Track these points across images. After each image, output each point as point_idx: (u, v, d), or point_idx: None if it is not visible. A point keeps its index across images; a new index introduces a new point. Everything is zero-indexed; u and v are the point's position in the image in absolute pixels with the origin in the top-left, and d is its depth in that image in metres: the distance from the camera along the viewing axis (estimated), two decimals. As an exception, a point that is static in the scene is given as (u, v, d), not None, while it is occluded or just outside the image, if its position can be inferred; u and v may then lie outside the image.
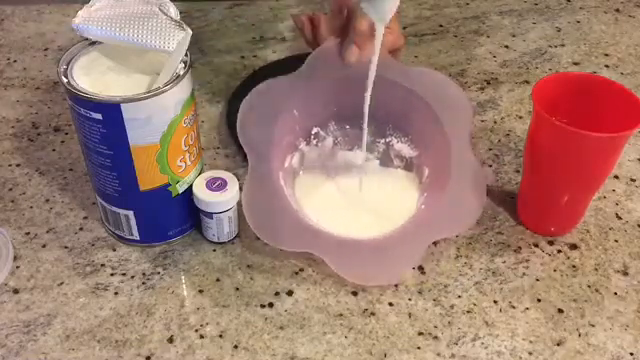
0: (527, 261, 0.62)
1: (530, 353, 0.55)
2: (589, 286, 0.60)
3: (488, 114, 0.79)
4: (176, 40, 0.56)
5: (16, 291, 0.59)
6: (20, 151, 0.73)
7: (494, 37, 0.92)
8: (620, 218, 0.67)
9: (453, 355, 0.55)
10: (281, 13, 0.95)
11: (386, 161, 0.69)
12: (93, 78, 0.56)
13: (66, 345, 0.55)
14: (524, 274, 0.61)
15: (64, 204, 0.67)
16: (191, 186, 0.61)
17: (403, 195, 0.66)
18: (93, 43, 0.59)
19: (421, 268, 0.62)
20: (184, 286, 0.60)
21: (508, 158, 0.73)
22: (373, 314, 0.58)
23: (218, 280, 0.60)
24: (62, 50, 0.86)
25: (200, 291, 0.59)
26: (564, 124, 0.57)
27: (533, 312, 0.58)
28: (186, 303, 0.58)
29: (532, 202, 0.65)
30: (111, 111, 0.53)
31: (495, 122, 0.78)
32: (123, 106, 0.53)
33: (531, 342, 0.56)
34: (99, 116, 0.54)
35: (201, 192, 0.60)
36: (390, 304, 0.58)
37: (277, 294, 0.59)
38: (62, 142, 0.74)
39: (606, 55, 0.89)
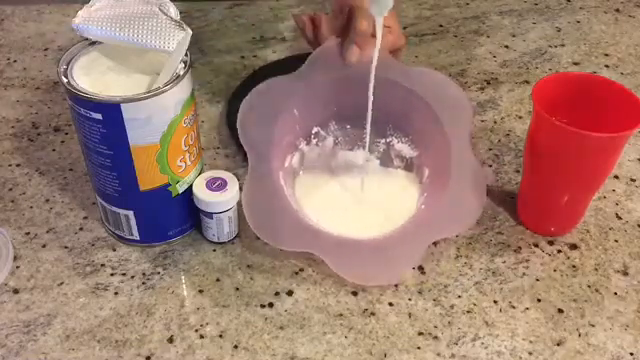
0: (527, 261, 0.62)
1: (530, 353, 0.55)
2: (589, 286, 0.60)
3: (488, 114, 0.79)
4: (176, 40, 0.56)
5: (16, 291, 0.59)
6: (20, 151, 0.73)
7: (494, 37, 0.92)
8: (620, 218, 0.67)
9: (453, 355, 0.55)
10: (281, 13, 0.95)
11: (386, 161, 0.69)
12: (93, 78, 0.56)
13: (66, 345, 0.55)
14: (524, 274, 0.61)
15: (64, 204, 0.67)
16: (191, 186, 0.61)
17: (403, 195, 0.66)
18: (93, 43, 0.59)
19: (421, 268, 0.62)
20: (184, 286, 0.60)
21: (508, 158, 0.73)
22: (373, 314, 0.58)
23: (218, 280, 0.60)
24: (62, 50, 0.86)
25: (200, 291, 0.59)
26: (564, 124, 0.57)
27: (533, 312, 0.58)
28: (186, 303, 0.59)
29: (532, 202, 0.65)
30: (111, 111, 0.53)
31: (495, 122, 0.78)
32: (123, 106, 0.53)
33: (531, 342, 0.56)
34: (99, 116, 0.54)
35: (201, 192, 0.60)
36: (390, 304, 0.58)
37: (277, 294, 0.59)
38: (62, 142, 0.74)
39: (606, 55, 0.89)
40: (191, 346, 0.55)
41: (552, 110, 0.58)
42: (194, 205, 0.61)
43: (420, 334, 0.56)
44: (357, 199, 0.66)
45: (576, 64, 0.87)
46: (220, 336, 0.56)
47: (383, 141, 0.68)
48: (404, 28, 0.92)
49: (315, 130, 0.68)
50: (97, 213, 0.65)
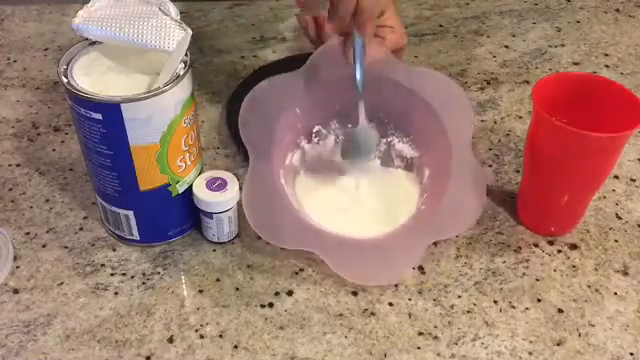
0: (527, 261, 0.62)
1: (530, 353, 0.55)
2: (589, 286, 0.60)
3: (488, 114, 0.79)
4: (176, 40, 0.56)
5: (16, 291, 0.59)
6: (20, 151, 0.73)
7: (494, 37, 0.92)
8: (620, 218, 0.67)
9: (453, 355, 0.55)
10: (281, 13, 0.95)
11: (387, 161, 0.69)
12: (93, 78, 0.56)
13: (66, 345, 0.55)
14: (524, 274, 0.61)
15: (64, 204, 0.67)
16: (191, 186, 0.61)
17: (403, 195, 0.66)
18: (93, 43, 0.59)
19: (421, 268, 0.62)
20: (184, 286, 0.60)
21: (508, 158, 0.73)
22: (373, 314, 0.58)
23: (218, 280, 0.60)
24: (62, 50, 0.85)
25: (200, 291, 0.59)
26: (564, 124, 0.57)
27: (533, 312, 0.58)
28: (186, 303, 0.59)
29: (532, 202, 0.65)
30: (111, 111, 0.53)
31: (495, 122, 0.78)
32: (123, 106, 0.53)
33: (531, 342, 0.56)
34: (99, 116, 0.54)
35: (201, 192, 0.60)
36: (390, 304, 0.58)
37: (277, 294, 0.59)
38: (62, 142, 0.74)
39: (606, 55, 0.89)
40: (191, 346, 0.55)
41: (552, 110, 0.58)
42: (194, 205, 0.61)
43: (420, 334, 0.56)
44: (357, 199, 0.66)
45: (576, 64, 0.87)
46: (220, 336, 0.56)
47: (384, 141, 0.68)
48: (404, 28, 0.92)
49: (316, 128, 0.68)
50: (97, 213, 0.65)
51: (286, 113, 0.64)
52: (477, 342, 0.56)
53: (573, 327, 0.57)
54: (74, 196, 0.68)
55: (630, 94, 0.59)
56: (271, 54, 0.88)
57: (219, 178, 0.61)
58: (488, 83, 0.84)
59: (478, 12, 0.97)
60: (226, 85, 0.82)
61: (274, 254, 0.62)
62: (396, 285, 0.60)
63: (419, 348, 0.55)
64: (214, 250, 0.63)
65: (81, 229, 0.65)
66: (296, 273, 0.61)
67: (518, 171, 0.71)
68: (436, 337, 0.56)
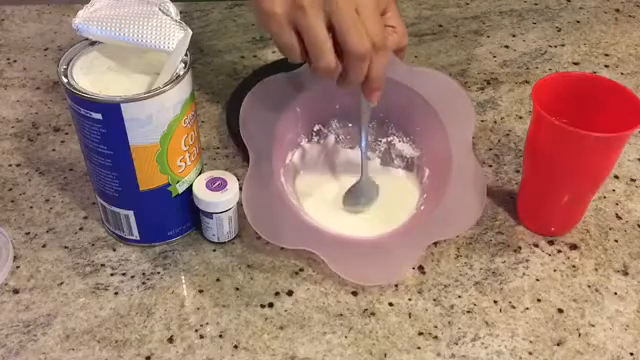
0: (527, 261, 0.62)
1: (530, 353, 0.55)
2: (589, 286, 0.60)
3: (488, 114, 0.79)
4: (176, 40, 0.56)
5: (16, 291, 0.59)
6: (20, 151, 0.73)
7: (494, 37, 0.92)
8: (620, 218, 0.67)
9: (453, 355, 0.55)
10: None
11: (387, 160, 0.69)
12: (93, 78, 0.56)
13: (66, 345, 0.55)
14: (524, 274, 0.61)
15: (64, 204, 0.67)
16: (191, 186, 0.61)
17: (403, 195, 0.66)
18: (93, 43, 0.59)
19: (421, 268, 0.62)
20: (184, 286, 0.60)
21: (508, 158, 0.73)
22: (373, 314, 0.58)
23: (218, 280, 0.60)
24: (62, 50, 0.86)
25: (200, 291, 0.59)
26: (564, 124, 0.57)
27: (533, 312, 0.58)
28: (186, 303, 0.59)
29: (532, 202, 0.65)
30: (111, 111, 0.53)
31: (495, 122, 0.78)
32: (123, 106, 0.53)
33: (531, 342, 0.56)
34: (99, 116, 0.54)
35: (201, 192, 0.60)
36: (390, 304, 0.58)
37: (277, 294, 0.59)
38: (62, 142, 0.74)
39: (606, 55, 0.89)
40: (191, 346, 0.55)
41: (552, 110, 0.58)
42: (194, 205, 0.61)
43: (420, 334, 0.56)
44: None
45: (576, 64, 0.87)
46: (220, 336, 0.56)
47: (384, 140, 0.68)
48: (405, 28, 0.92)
49: (317, 128, 0.68)
50: (97, 213, 0.65)
51: (286, 112, 0.64)
52: (477, 342, 0.56)
53: (573, 327, 0.57)
54: (74, 196, 0.68)
55: (630, 94, 0.59)
56: (271, 54, 0.88)
57: (219, 178, 0.61)
58: (488, 83, 0.84)
59: (478, 12, 0.97)
60: (226, 85, 0.82)
61: (274, 254, 0.62)
62: (396, 285, 0.60)
63: (419, 348, 0.55)
64: (214, 250, 0.63)
65: (81, 229, 0.65)
66: (296, 273, 0.61)
67: (518, 171, 0.71)
68: (436, 337, 0.56)
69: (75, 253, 0.62)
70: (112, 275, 0.61)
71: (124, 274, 0.61)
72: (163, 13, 0.57)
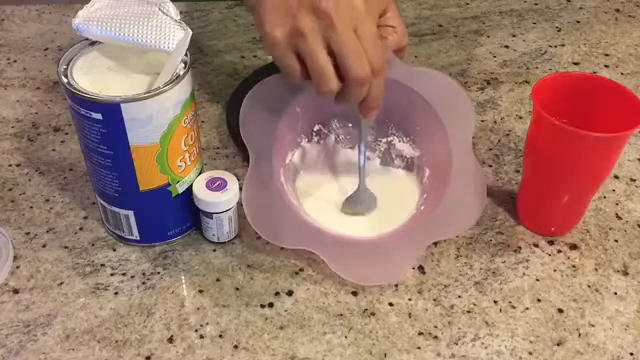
0: (527, 261, 0.62)
1: (530, 353, 0.55)
2: (589, 286, 0.60)
3: (488, 114, 0.79)
4: (176, 40, 0.56)
5: (16, 291, 0.59)
6: (20, 151, 0.73)
7: (494, 37, 0.92)
8: (620, 218, 0.67)
9: (453, 355, 0.55)
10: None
11: (387, 160, 0.69)
12: (93, 78, 0.56)
13: (66, 345, 0.55)
14: (524, 274, 0.61)
15: (64, 204, 0.67)
16: (191, 186, 0.61)
17: (403, 195, 0.66)
18: (93, 43, 0.59)
19: (421, 268, 0.62)
20: (184, 286, 0.60)
21: (508, 158, 0.73)
22: (373, 314, 0.58)
23: (218, 280, 0.60)
24: (62, 50, 0.86)
25: (200, 291, 0.59)
26: (564, 124, 0.57)
27: (533, 312, 0.58)
28: (186, 303, 0.59)
29: (532, 202, 0.65)
30: (111, 111, 0.53)
31: (495, 122, 0.78)
32: (123, 106, 0.53)
33: (531, 342, 0.56)
34: (99, 116, 0.54)
35: (201, 192, 0.60)
36: (390, 304, 0.58)
37: (277, 294, 0.59)
38: (62, 142, 0.74)
39: (606, 55, 0.89)
40: (191, 346, 0.55)
41: (552, 110, 0.58)
42: (194, 205, 0.61)
43: (420, 334, 0.56)
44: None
45: (576, 64, 0.87)
46: (220, 336, 0.56)
47: (384, 140, 0.68)
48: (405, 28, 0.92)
49: (317, 128, 0.68)
50: (97, 213, 0.65)
51: (286, 112, 0.64)
52: (477, 342, 0.56)
53: (573, 327, 0.57)
54: (74, 196, 0.68)
55: (630, 94, 0.59)
56: (271, 54, 0.87)
57: (219, 178, 0.61)
58: (488, 83, 0.84)
59: (478, 12, 0.97)
60: (226, 85, 0.82)
61: (274, 254, 0.62)
62: (396, 285, 0.60)
63: (419, 348, 0.55)
64: (214, 250, 0.63)
65: (81, 229, 0.65)
66: (296, 273, 0.61)
67: (518, 171, 0.71)
68: (436, 337, 0.56)
69: (75, 253, 0.62)
70: (112, 275, 0.61)
71: (124, 274, 0.61)
72: (163, 13, 0.57)
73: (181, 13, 0.59)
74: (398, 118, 0.67)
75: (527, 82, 0.84)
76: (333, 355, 0.55)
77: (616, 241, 0.65)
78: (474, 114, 0.64)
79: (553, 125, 0.57)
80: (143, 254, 0.62)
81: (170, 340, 0.56)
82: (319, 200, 0.65)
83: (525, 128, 0.76)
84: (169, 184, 0.59)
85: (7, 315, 0.57)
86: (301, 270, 0.61)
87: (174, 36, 0.56)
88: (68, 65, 0.57)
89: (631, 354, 0.55)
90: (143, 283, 0.60)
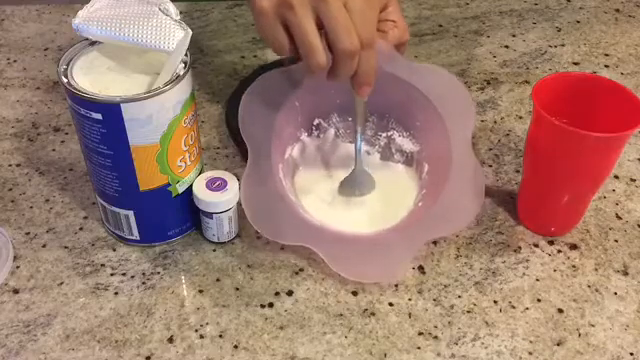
0: (527, 261, 0.62)
1: (530, 353, 0.55)
2: (589, 286, 0.60)
3: (488, 114, 0.79)
4: (176, 40, 0.56)
5: (16, 291, 0.59)
6: (20, 151, 0.73)
7: (494, 37, 0.92)
8: (620, 218, 0.67)
9: (453, 355, 0.55)
10: (281, 13, 0.95)
11: (387, 155, 0.69)
12: (93, 78, 0.56)
13: (66, 345, 0.55)
14: (524, 274, 0.61)
15: (64, 204, 0.67)
16: (191, 186, 0.61)
17: (402, 191, 0.66)
18: (93, 43, 0.59)
19: (421, 268, 0.62)
20: (184, 286, 0.60)
21: (508, 158, 0.73)
22: (373, 314, 0.58)
23: (218, 280, 0.60)
24: (62, 50, 0.86)
25: (200, 291, 0.59)
26: (564, 124, 0.57)
27: (533, 312, 0.58)
28: (186, 303, 0.59)
29: (532, 202, 0.65)
30: (111, 111, 0.53)
31: (495, 122, 0.78)
32: (123, 106, 0.53)
33: (531, 342, 0.56)
34: (99, 116, 0.54)
35: (201, 192, 0.60)
36: (390, 304, 0.58)
37: (277, 294, 0.59)
38: (62, 142, 0.74)
39: (606, 55, 0.89)
40: (191, 346, 0.55)
41: (552, 110, 0.58)
42: (194, 205, 0.61)
43: (420, 334, 0.56)
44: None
45: (576, 64, 0.87)
46: (220, 336, 0.56)
47: (384, 135, 0.68)
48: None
49: (316, 122, 0.68)
50: (97, 213, 0.65)
51: (286, 107, 0.64)
52: (477, 342, 0.56)
53: (573, 327, 0.57)
54: (74, 196, 0.68)
55: (630, 94, 0.59)
56: (271, 54, 0.87)
57: (219, 178, 0.61)
58: (488, 83, 0.84)
59: (478, 12, 0.97)
60: (226, 85, 0.82)
61: (274, 254, 0.62)
62: (396, 285, 0.60)
63: (419, 348, 0.55)
64: (214, 250, 0.63)
65: (81, 229, 0.65)
66: (296, 273, 0.61)
67: (518, 171, 0.71)
68: (436, 337, 0.56)
69: (75, 253, 0.62)
70: (112, 275, 0.61)
71: (124, 274, 0.61)
72: (163, 13, 0.57)
73: (181, 13, 0.59)
74: (398, 113, 0.67)
75: (527, 82, 0.84)
76: (333, 355, 0.55)
77: (616, 241, 0.65)
78: (474, 109, 0.64)
79: (553, 125, 0.57)
80: (143, 254, 0.62)
81: (170, 340, 0.56)
82: (318, 195, 0.66)
83: (525, 128, 0.76)
84: (169, 184, 0.59)
85: (7, 315, 0.57)
86: (301, 270, 0.61)
87: (174, 36, 0.56)
88: (68, 65, 0.57)
89: (631, 354, 0.55)
90: (143, 283, 0.60)
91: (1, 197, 0.68)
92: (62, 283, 0.60)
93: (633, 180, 0.71)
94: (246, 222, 0.60)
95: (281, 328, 0.57)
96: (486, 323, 0.57)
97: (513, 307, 0.59)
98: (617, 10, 0.98)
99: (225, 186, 0.60)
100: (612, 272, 0.62)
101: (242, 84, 0.79)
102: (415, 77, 0.64)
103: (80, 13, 0.58)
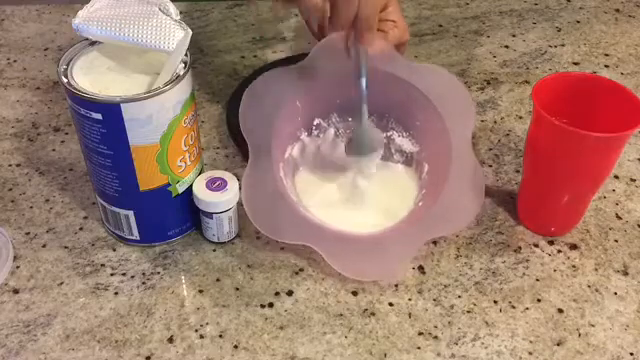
0: (527, 261, 0.62)
1: (530, 353, 0.55)
2: (589, 286, 0.60)
3: (488, 114, 0.79)
4: (176, 40, 0.56)
5: (16, 291, 0.59)
6: (20, 151, 0.73)
7: (494, 37, 0.92)
8: (620, 218, 0.67)
9: (453, 355, 0.55)
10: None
11: (386, 155, 0.69)
12: (93, 78, 0.56)
13: (66, 345, 0.55)
14: (524, 274, 0.61)
15: (64, 204, 0.67)
16: (191, 186, 0.61)
17: (402, 191, 0.66)
18: (93, 43, 0.59)
19: (421, 268, 0.62)
20: (184, 286, 0.60)
21: (508, 158, 0.73)
22: (373, 314, 0.58)
23: (218, 280, 0.60)
24: (62, 50, 0.86)
25: (200, 291, 0.59)
26: (564, 124, 0.57)
27: (533, 312, 0.58)
28: (186, 303, 0.59)
29: (532, 202, 0.65)
30: (111, 111, 0.53)
31: (495, 122, 0.78)
32: (123, 106, 0.53)
33: (531, 342, 0.56)
34: (99, 116, 0.54)
35: (201, 192, 0.60)
36: (390, 304, 0.58)
37: (277, 294, 0.59)
38: (62, 142, 0.74)
39: (606, 55, 0.89)
40: (191, 346, 0.55)
41: (552, 110, 0.58)
42: (194, 205, 0.61)
43: (420, 334, 0.56)
44: (356, 193, 0.66)
45: (576, 64, 0.87)
46: (220, 336, 0.56)
47: (384, 135, 0.68)
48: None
49: (317, 121, 0.68)
50: (97, 213, 0.65)
51: (286, 106, 0.64)
52: (477, 342, 0.56)
53: (573, 327, 0.57)
54: (74, 196, 0.68)
55: (630, 94, 0.59)
56: (271, 54, 0.88)
57: (219, 178, 0.61)
58: (488, 83, 0.84)
59: (478, 12, 0.97)
60: (226, 85, 0.82)
61: (274, 254, 0.62)
62: (396, 285, 0.60)
63: (419, 348, 0.55)
64: (214, 250, 0.63)
65: (81, 229, 0.65)
66: (296, 273, 0.61)
67: (518, 171, 0.71)
68: (436, 337, 0.56)
69: (75, 253, 0.62)
70: (112, 275, 0.61)
71: (124, 274, 0.61)
72: (163, 13, 0.57)
73: (181, 13, 0.59)
74: (398, 113, 0.67)
75: (527, 82, 0.84)
76: (333, 355, 0.55)
77: (616, 241, 0.65)
78: (474, 109, 0.64)
79: (553, 125, 0.57)
80: (143, 254, 0.62)
81: (170, 340, 0.56)
82: (318, 194, 0.66)
83: (525, 128, 0.76)
84: (169, 184, 0.59)
85: (7, 315, 0.57)
86: (301, 270, 0.61)
87: (174, 36, 0.56)
88: (68, 65, 0.57)
89: (631, 354, 0.55)
90: (143, 283, 0.60)
91: (1, 197, 0.68)
92: (62, 283, 0.60)
93: (633, 180, 0.71)
94: (246, 222, 0.60)
95: (281, 328, 0.57)
96: (486, 323, 0.57)
97: (513, 307, 0.59)
98: (617, 10, 0.98)
99: (225, 186, 0.60)
100: (612, 272, 0.62)
101: (242, 84, 0.79)
102: (415, 77, 0.64)
103: (80, 13, 0.58)
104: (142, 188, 0.58)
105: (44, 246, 0.63)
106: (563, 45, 0.91)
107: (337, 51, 0.63)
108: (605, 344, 0.56)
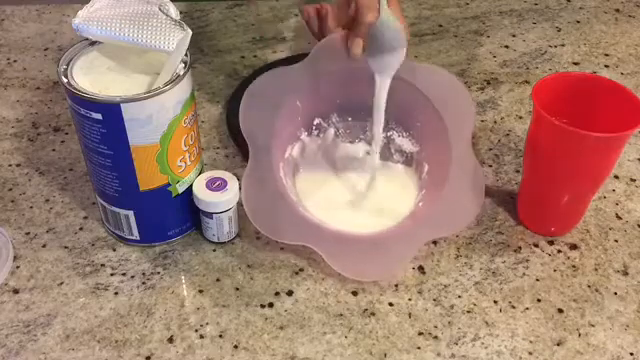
0: (527, 261, 0.62)
1: (530, 353, 0.55)
2: (589, 286, 0.60)
3: (488, 114, 0.79)
4: (176, 40, 0.56)
5: (16, 291, 0.59)
6: (20, 151, 0.73)
7: (494, 37, 0.92)
8: (620, 218, 0.67)
9: (453, 355, 0.55)
10: (281, 13, 0.95)
11: (386, 155, 0.69)
12: (93, 78, 0.56)
13: (66, 345, 0.55)
14: (524, 274, 0.61)
15: (64, 204, 0.67)
16: (191, 186, 0.61)
17: (402, 191, 0.66)
18: (93, 43, 0.59)
19: (421, 268, 0.62)
20: (184, 286, 0.60)
21: (508, 158, 0.73)
22: (373, 314, 0.58)
23: (218, 280, 0.60)
24: (62, 50, 0.86)
25: (200, 291, 0.59)
26: (564, 124, 0.57)
27: (533, 312, 0.58)
28: (186, 303, 0.59)
29: (532, 202, 0.65)
30: (111, 111, 0.53)
31: (495, 122, 0.78)
32: (123, 106, 0.53)
33: (531, 342, 0.56)
34: (99, 116, 0.54)
35: (201, 192, 0.60)
36: (390, 304, 0.58)
37: (277, 294, 0.59)
38: (62, 142, 0.74)
39: (606, 55, 0.89)
40: (191, 346, 0.55)
41: (552, 110, 0.58)
42: (194, 205, 0.61)
43: (420, 334, 0.56)
44: (356, 193, 0.66)
45: (576, 64, 0.87)
46: (220, 336, 0.56)
47: (384, 135, 0.68)
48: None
49: (317, 121, 0.68)
50: (97, 213, 0.65)
51: (286, 106, 0.64)
52: (477, 342, 0.56)
53: (573, 327, 0.57)
54: (74, 196, 0.68)
55: (630, 94, 0.59)
56: (271, 54, 0.88)
57: (219, 178, 0.61)
58: (488, 83, 0.84)
59: (478, 12, 0.97)
60: (226, 85, 0.82)
61: (274, 254, 0.62)
62: (396, 285, 0.60)
63: (419, 348, 0.55)
64: (214, 250, 0.63)
65: (81, 229, 0.65)
66: (296, 273, 0.61)
67: (518, 171, 0.71)
68: (436, 337, 0.56)
69: (75, 253, 0.62)
70: (112, 275, 0.61)
71: (124, 274, 0.61)
72: (163, 13, 0.57)
73: (181, 13, 0.59)
74: (398, 113, 0.67)
75: (527, 82, 0.84)
76: (333, 355, 0.55)
77: (616, 241, 0.65)
78: (474, 110, 0.64)
79: (553, 125, 0.57)
80: (143, 254, 0.62)
81: (170, 340, 0.56)
82: (318, 194, 0.66)
83: (525, 128, 0.76)
84: (169, 184, 0.59)
85: (7, 315, 0.57)
86: (301, 270, 0.61)
87: (174, 36, 0.56)
88: (68, 65, 0.57)
89: (631, 354, 0.55)
90: (143, 283, 0.60)
91: (1, 197, 0.68)
92: (62, 283, 0.60)
93: (633, 180, 0.71)
94: (246, 222, 0.60)
95: (281, 328, 0.57)
96: (486, 323, 0.57)
97: (513, 307, 0.59)
98: (617, 10, 0.98)
99: (225, 186, 0.60)
100: (612, 272, 0.62)
101: (242, 84, 0.79)
102: (415, 77, 0.64)
103: (80, 13, 0.58)
104: (142, 188, 0.58)
105: (44, 246, 0.63)
106: (563, 45, 0.91)
107: (337, 51, 0.63)
108: (605, 344, 0.56)
